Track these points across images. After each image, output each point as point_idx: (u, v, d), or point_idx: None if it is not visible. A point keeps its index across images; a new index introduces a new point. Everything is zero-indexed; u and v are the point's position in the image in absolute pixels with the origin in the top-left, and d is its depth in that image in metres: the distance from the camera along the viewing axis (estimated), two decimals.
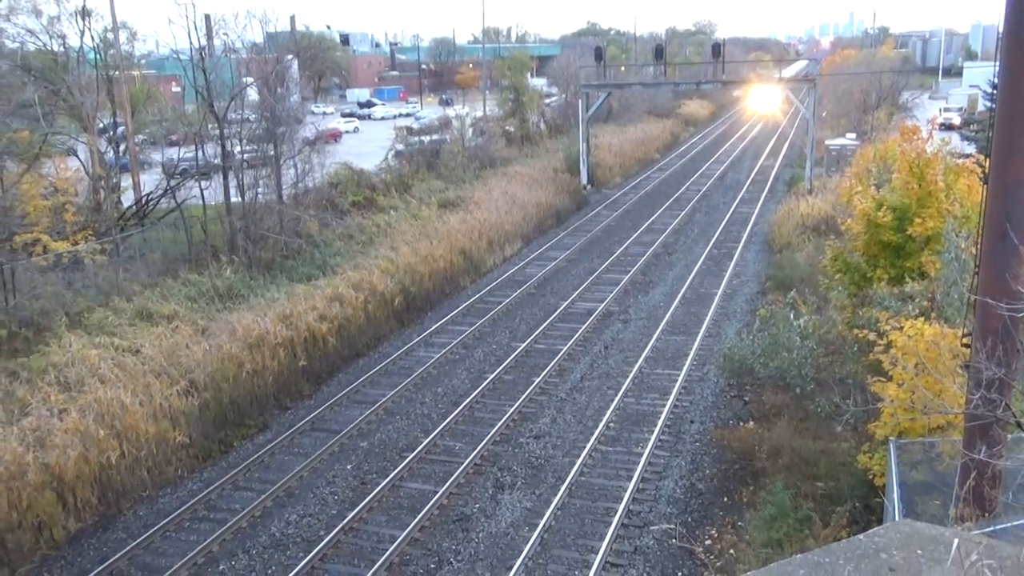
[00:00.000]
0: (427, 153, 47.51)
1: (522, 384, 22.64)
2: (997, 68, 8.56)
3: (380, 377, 23.69)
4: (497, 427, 19.96)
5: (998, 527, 7.75)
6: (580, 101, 49.53)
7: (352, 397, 22.44)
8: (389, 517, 16.66)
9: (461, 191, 41.36)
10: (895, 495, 10.83)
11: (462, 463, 18.32)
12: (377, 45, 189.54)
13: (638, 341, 25.79)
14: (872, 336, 14.90)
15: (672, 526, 15.85)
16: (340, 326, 25.18)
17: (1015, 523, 7.91)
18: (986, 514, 8.46)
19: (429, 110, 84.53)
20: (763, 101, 58.10)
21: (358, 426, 20.56)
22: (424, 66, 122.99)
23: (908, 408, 12.57)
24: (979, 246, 9.10)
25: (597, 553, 14.93)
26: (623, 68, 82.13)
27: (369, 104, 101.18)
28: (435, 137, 51.16)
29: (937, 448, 11.91)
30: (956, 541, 3.61)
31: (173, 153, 35.41)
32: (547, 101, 71.75)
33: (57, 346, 20.73)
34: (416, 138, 50.77)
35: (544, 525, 15.90)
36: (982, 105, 44.81)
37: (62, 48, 32.39)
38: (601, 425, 19.91)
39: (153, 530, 16.16)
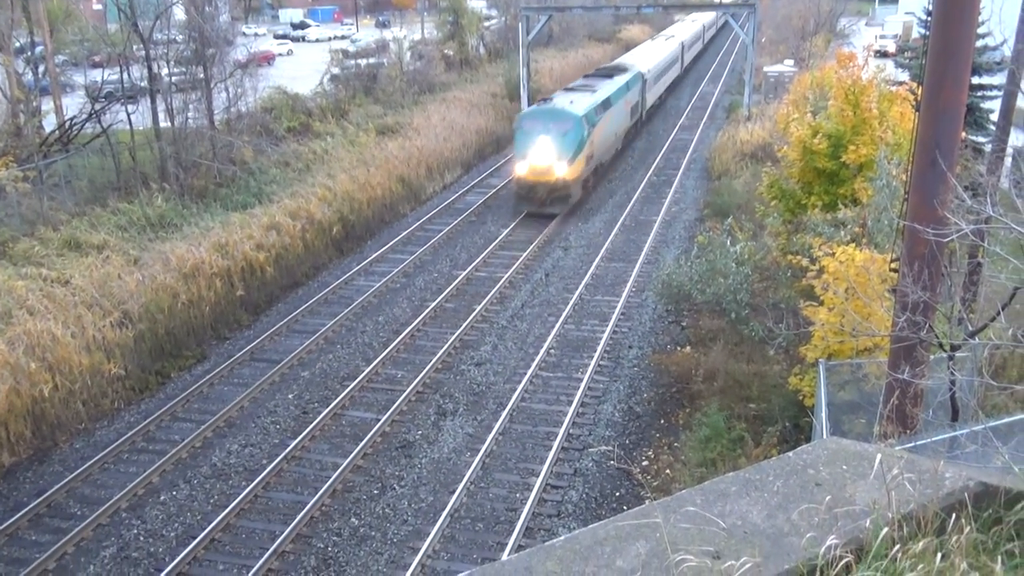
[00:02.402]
0: (364, 77, 46.27)
1: (463, 312, 22.71)
2: None
3: (320, 307, 23.50)
4: (439, 355, 20.06)
5: (918, 443, 8.11)
6: (520, 24, 48.56)
7: (292, 327, 22.26)
8: (332, 445, 16.75)
9: (400, 117, 40.53)
10: (823, 414, 11.25)
11: (404, 391, 18.43)
12: None
13: (578, 268, 26.00)
14: (805, 262, 15.25)
15: (610, 448, 16.26)
16: (278, 255, 24.80)
17: (934, 438, 8.28)
18: (908, 431, 8.84)
19: (365, 32, 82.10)
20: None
21: (298, 356, 20.45)
22: None
23: (838, 331, 12.98)
24: (909, 173, 9.29)
25: (538, 476, 15.28)
26: None
27: (303, 25, 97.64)
28: (372, 61, 49.75)
29: (864, 369, 12.36)
30: (879, 456, 3.77)
31: (96, 75, 33.83)
32: (487, 24, 70.20)
33: None
34: (352, 62, 49.32)
35: (486, 450, 16.18)
36: (916, 32, 45.30)
37: None
38: (542, 352, 20.15)
39: (91, 462, 15.99)
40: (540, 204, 30.14)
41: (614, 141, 37.63)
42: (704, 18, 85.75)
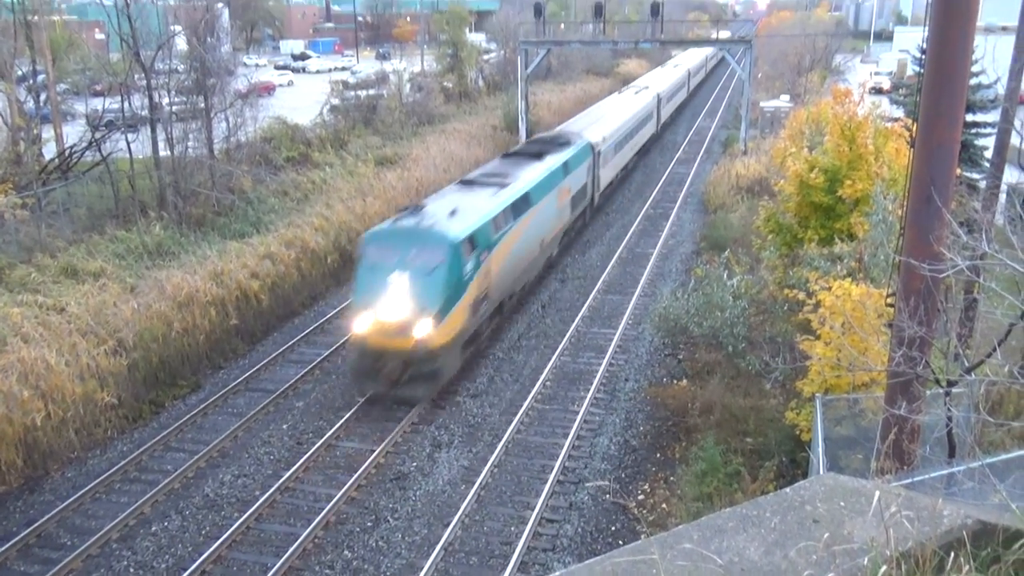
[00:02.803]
0: (364, 108, 46.59)
1: None
2: (926, 34, 8.72)
3: (316, 336, 23.44)
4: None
5: (915, 479, 8.07)
6: (519, 58, 49.06)
7: (287, 356, 22.18)
8: (326, 476, 16.61)
9: (398, 148, 40.75)
10: (820, 449, 11.19)
11: (399, 422, 18.32)
12: None
13: (575, 300, 26.00)
14: (802, 296, 15.28)
15: (608, 483, 16.16)
16: (273, 284, 24.78)
17: (931, 475, 8.24)
18: (905, 467, 8.80)
19: (365, 64, 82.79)
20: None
21: (293, 385, 20.37)
22: (360, 18, 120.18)
23: (834, 366, 12.96)
24: (904, 208, 9.34)
25: (533, 509, 15.16)
26: (562, 25, 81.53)
27: (303, 56, 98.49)
28: (372, 92, 50.13)
29: (860, 404, 12.33)
30: (877, 493, 3.74)
31: (98, 104, 34.02)
32: (486, 57, 70.86)
33: None
34: (352, 93, 49.69)
35: (481, 483, 16.05)
36: (911, 69, 45.82)
37: None
38: (538, 384, 20.09)
39: (82, 492, 15.84)
40: (390, 383, 18.83)
41: (537, 255, 25.70)
42: (690, 61, 78.73)
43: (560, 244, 29.32)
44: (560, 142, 30.92)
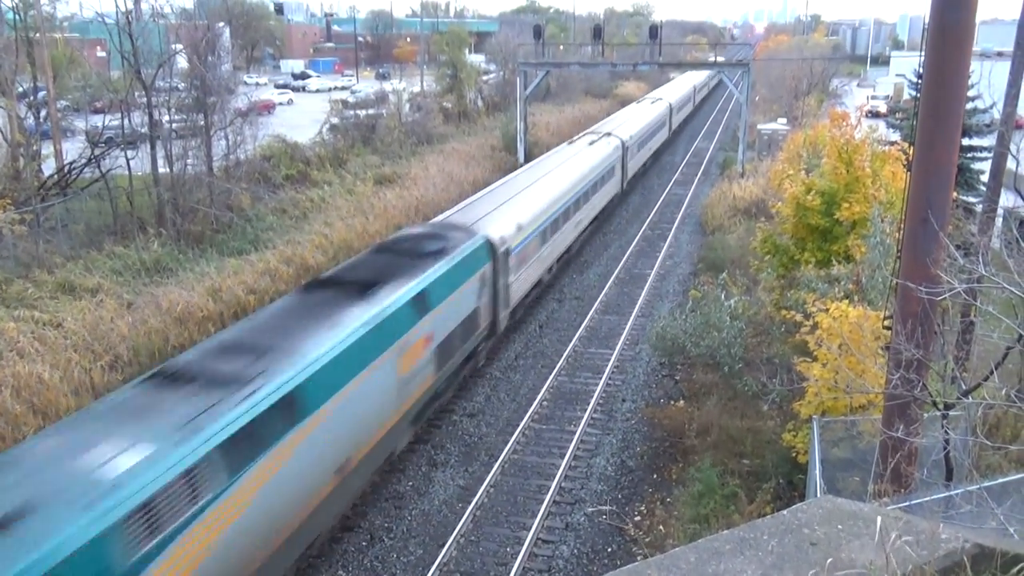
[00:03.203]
0: (363, 128, 46.83)
1: None
2: (922, 58, 8.79)
3: None
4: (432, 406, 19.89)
5: (913, 502, 8.04)
6: (518, 79, 49.35)
7: None
8: None
9: (397, 167, 40.90)
10: (817, 472, 11.16)
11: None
12: (312, 15, 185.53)
13: (572, 320, 25.98)
14: (799, 317, 15.28)
15: (606, 506, 16.08)
16: (271, 299, 24.74)
17: (929, 498, 8.21)
18: (902, 489, 8.77)
19: (365, 84, 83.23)
20: None
21: None
22: (360, 38, 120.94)
23: (831, 388, 12.95)
24: (901, 231, 9.37)
25: (529, 530, 15.07)
26: (561, 47, 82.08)
27: (304, 76, 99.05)
28: (371, 111, 50.43)
29: (858, 426, 12.31)
30: (878, 518, 3.73)
31: (98, 121, 34.16)
32: (485, 78, 71.31)
33: None
34: (352, 112, 49.96)
35: (477, 503, 15.97)
36: (908, 94, 46.14)
37: None
38: (535, 403, 20.03)
39: None
40: None
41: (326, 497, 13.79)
42: (674, 93, 66.51)
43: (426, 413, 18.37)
44: (438, 248, 19.07)
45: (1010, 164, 15.05)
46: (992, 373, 8.74)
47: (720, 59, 66.22)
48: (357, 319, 14.62)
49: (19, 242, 24.36)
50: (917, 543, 3.66)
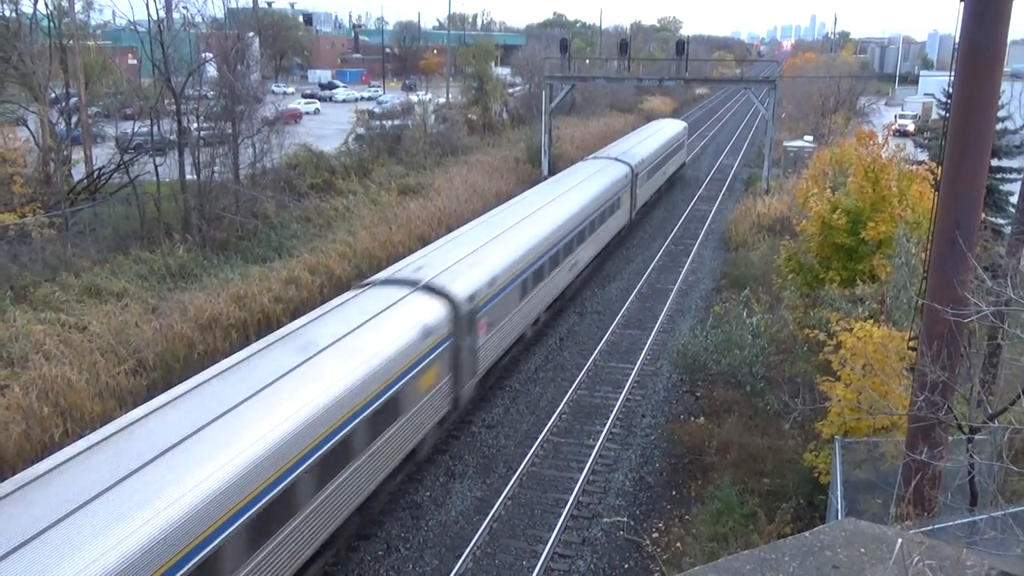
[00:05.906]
0: (388, 138, 47.14)
1: None
2: (952, 78, 8.73)
3: None
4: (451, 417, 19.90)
5: (936, 526, 7.94)
6: (544, 92, 49.50)
7: None
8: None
9: (422, 177, 41.11)
10: (839, 493, 11.05)
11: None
12: (341, 26, 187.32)
13: (593, 334, 25.92)
14: (822, 336, 15.16)
15: (621, 518, 15.99)
16: (295, 309, 24.90)
17: (952, 523, 8.11)
18: (925, 513, 8.66)
19: (392, 94, 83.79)
20: None
21: None
22: (388, 50, 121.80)
23: (854, 408, 12.83)
24: (928, 252, 9.29)
25: (546, 544, 15.01)
26: (588, 61, 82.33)
27: (331, 86, 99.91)
28: (397, 122, 50.78)
29: (881, 448, 12.18)
30: (900, 541, 3.69)
31: (127, 127, 34.64)
32: (511, 91, 71.63)
33: (1, 320, 20.20)
34: (378, 122, 50.31)
35: (494, 515, 15.94)
36: (936, 113, 45.82)
37: (14, 14, 31.47)
38: (554, 416, 19.99)
39: None
40: None
41: None
42: (668, 131, 49.78)
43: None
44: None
45: None
46: (1020, 397, 8.62)
47: (746, 75, 66.03)
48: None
49: (48, 245, 24.72)
50: (940, 569, 3.61)
